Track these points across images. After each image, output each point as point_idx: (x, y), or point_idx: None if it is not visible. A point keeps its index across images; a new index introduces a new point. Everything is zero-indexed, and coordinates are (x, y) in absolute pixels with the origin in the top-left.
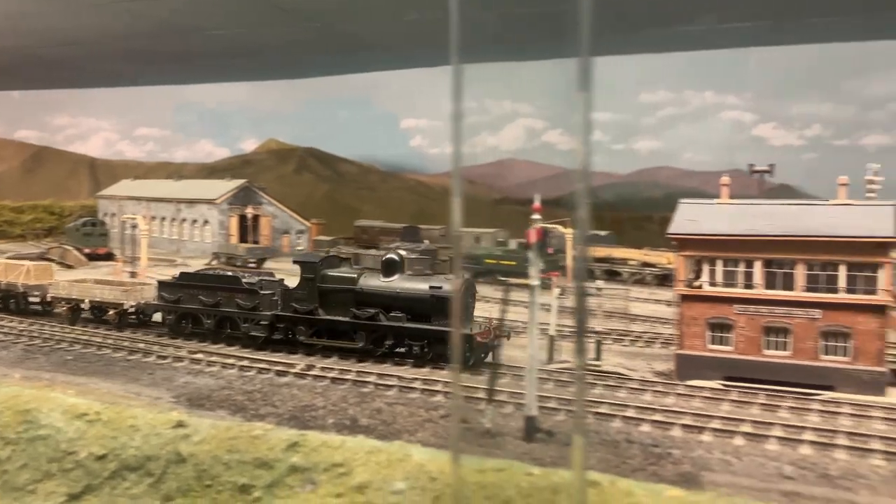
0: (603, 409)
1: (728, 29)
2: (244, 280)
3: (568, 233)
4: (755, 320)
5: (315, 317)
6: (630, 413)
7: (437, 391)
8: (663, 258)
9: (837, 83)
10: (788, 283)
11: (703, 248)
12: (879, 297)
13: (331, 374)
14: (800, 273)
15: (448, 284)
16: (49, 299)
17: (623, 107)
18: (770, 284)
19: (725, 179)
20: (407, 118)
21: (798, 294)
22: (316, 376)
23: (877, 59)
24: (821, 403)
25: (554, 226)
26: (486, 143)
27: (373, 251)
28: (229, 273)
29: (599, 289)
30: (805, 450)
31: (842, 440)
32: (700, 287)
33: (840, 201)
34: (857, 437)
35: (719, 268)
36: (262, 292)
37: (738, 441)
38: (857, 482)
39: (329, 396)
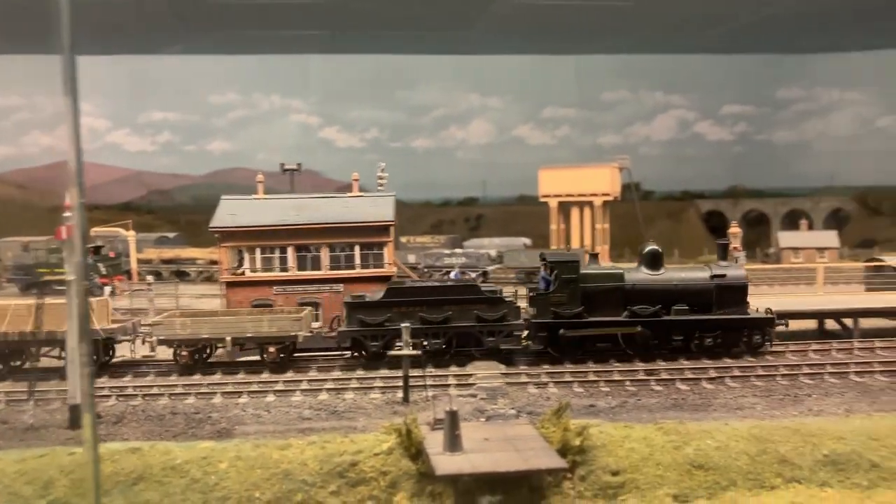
0: (154, 391)
1: (292, 36)
2: (484, 288)
3: (132, 236)
4: (291, 298)
5: (598, 319)
6: (178, 390)
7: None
8: None
9: (389, 91)
10: (316, 264)
11: (243, 238)
12: (386, 270)
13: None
14: (325, 255)
15: (730, 271)
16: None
17: (193, 107)
18: (302, 266)
19: (260, 177)
20: None
21: (324, 273)
22: None
23: (421, 72)
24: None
25: (116, 230)
26: (40, 143)
27: None
28: (463, 283)
29: (150, 286)
30: (323, 396)
31: (353, 384)
32: (243, 274)
33: (355, 194)
34: (364, 381)
35: (258, 255)
36: (508, 300)
37: (270, 398)
38: (358, 412)
39: None
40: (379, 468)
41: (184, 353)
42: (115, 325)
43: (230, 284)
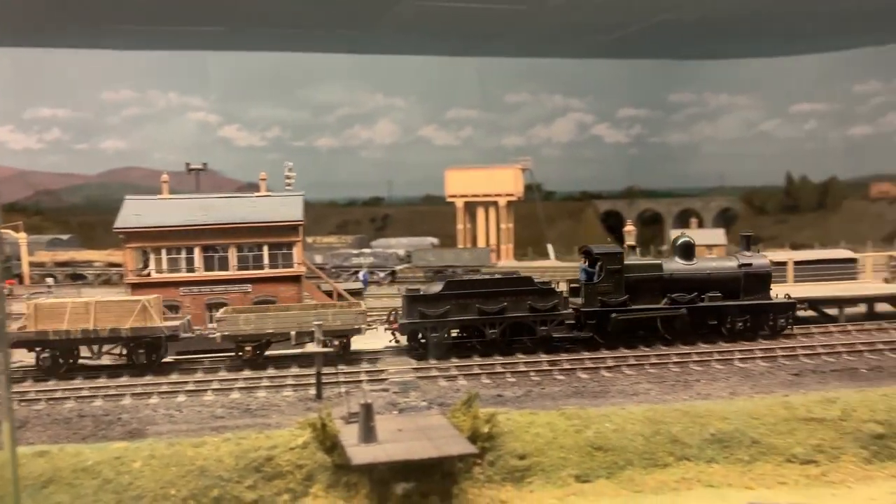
0: (58, 395)
1: (189, 31)
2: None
3: (22, 238)
4: (198, 299)
5: (639, 307)
6: (84, 393)
7: None
8: None
9: (291, 90)
10: (224, 265)
11: (149, 239)
12: (295, 269)
13: None
14: (232, 255)
15: (755, 260)
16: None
17: (84, 104)
18: (209, 267)
19: (165, 177)
20: None
21: (232, 273)
22: None
23: (324, 71)
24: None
25: (7, 231)
26: None
27: None
28: (518, 274)
29: (50, 288)
30: (235, 395)
31: (265, 383)
32: (148, 275)
33: (262, 193)
34: (276, 378)
35: (164, 256)
36: (558, 290)
37: (181, 398)
38: (272, 410)
39: None
40: (295, 462)
41: (248, 348)
42: (175, 322)
43: (135, 286)
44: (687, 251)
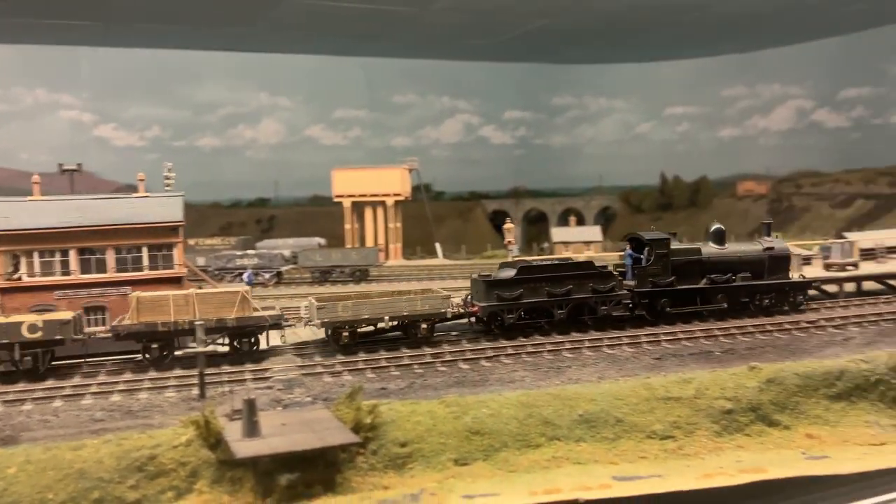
0: None
1: (59, 25)
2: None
3: None
4: (75, 302)
5: (686, 287)
6: None
7: None
8: None
9: (171, 88)
10: (101, 267)
11: (19, 242)
12: (176, 271)
13: None
14: (110, 257)
15: (776, 244)
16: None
17: None
18: (85, 269)
19: (36, 178)
20: None
21: (111, 275)
22: None
23: (205, 69)
24: (134, 363)
25: None
26: None
27: None
28: (581, 259)
29: None
30: (115, 398)
31: (147, 384)
32: (19, 279)
33: (141, 194)
34: (158, 381)
35: (36, 259)
36: (615, 273)
37: (58, 403)
38: (154, 411)
39: None
40: (178, 459)
41: (345, 333)
42: (275, 312)
43: (5, 290)
44: (720, 237)
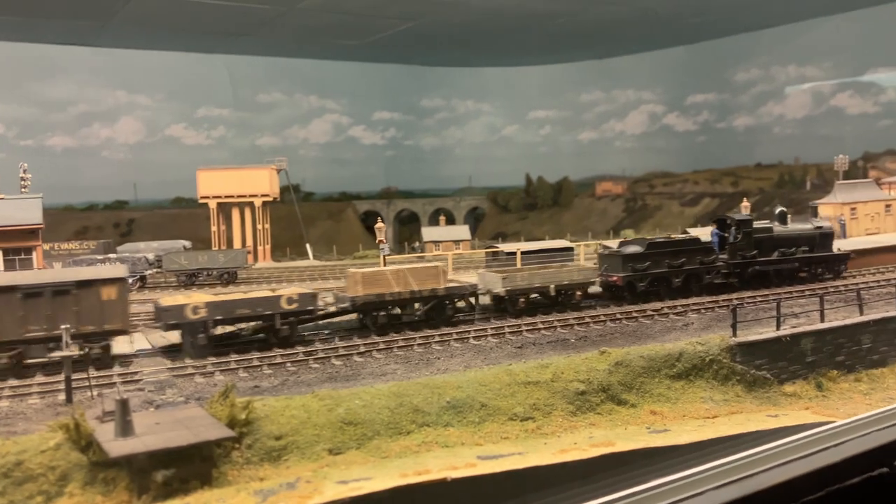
0: None
1: None
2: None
3: None
4: None
5: (765, 258)
6: None
7: None
8: None
9: (17, 83)
10: None
11: None
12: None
13: None
14: None
15: (824, 224)
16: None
17: None
18: None
19: None
20: None
21: None
22: None
23: (55, 64)
24: None
25: None
26: None
27: None
28: (692, 236)
29: None
30: None
31: (7, 392)
32: None
33: None
34: (19, 388)
35: None
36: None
37: None
38: (17, 418)
39: None
40: (47, 464)
41: (522, 300)
42: (473, 280)
43: None
44: (783, 218)
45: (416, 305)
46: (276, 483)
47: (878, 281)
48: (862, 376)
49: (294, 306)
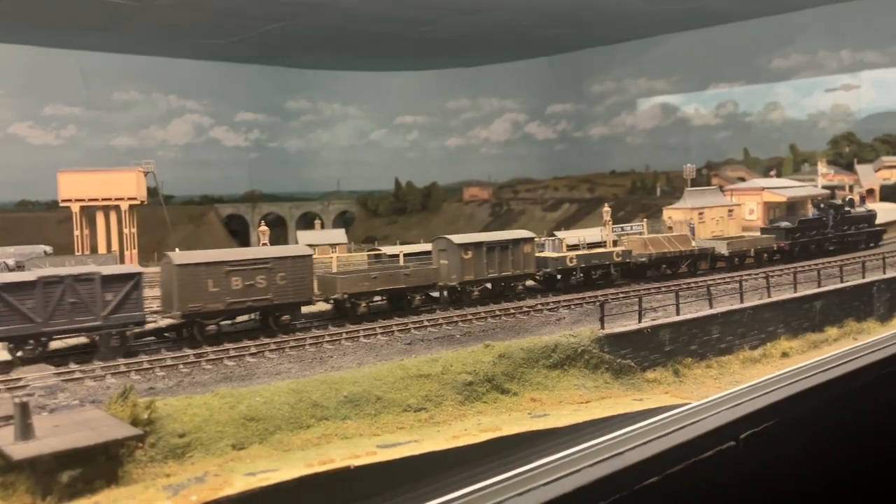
0: None
1: None
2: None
3: None
4: None
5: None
6: None
7: None
8: None
9: None
10: None
11: None
12: None
13: None
14: None
15: (870, 207)
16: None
17: None
18: None
19: None
20: None
21: None
22: None
23: None
24: None
25: None
26: None
27: None
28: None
29: None
30: None
31: None
32: None
33: None
34: None
35: None
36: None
37: None
38: None
39: None
40: None
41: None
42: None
43: None
44: (852, 203)
45: None
46: (184, 478)
47: (723, 277)
48: (712, 363)
49: None
